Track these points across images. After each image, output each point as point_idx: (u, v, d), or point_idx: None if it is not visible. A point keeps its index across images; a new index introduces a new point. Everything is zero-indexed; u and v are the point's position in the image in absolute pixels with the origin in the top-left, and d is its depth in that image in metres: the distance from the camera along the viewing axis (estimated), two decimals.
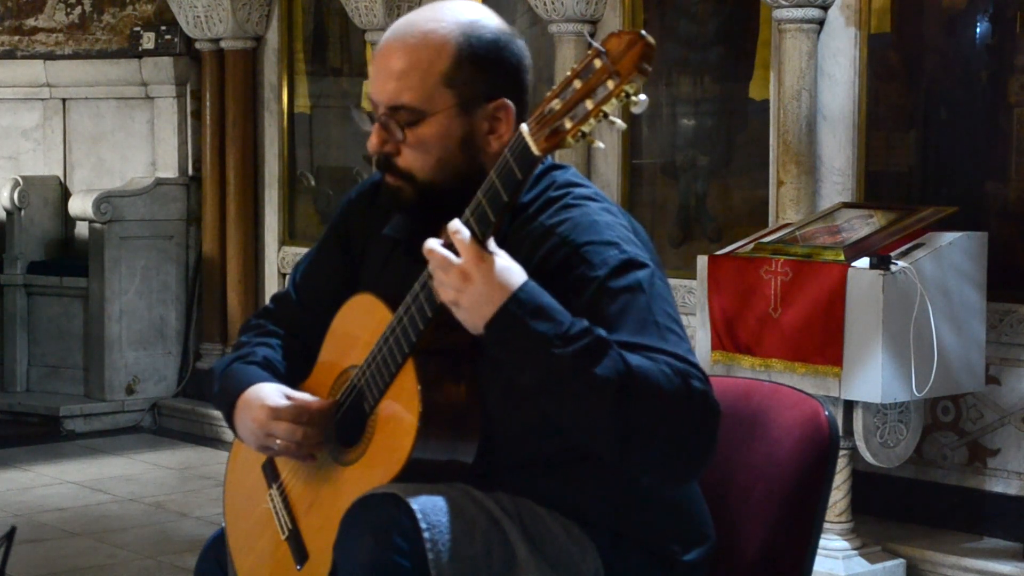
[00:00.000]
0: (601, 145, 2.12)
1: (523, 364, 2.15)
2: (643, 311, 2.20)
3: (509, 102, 2.33)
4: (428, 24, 2.34)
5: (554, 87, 2.10)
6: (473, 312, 2.15)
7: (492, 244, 2.17)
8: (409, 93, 2.32)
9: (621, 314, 2.19)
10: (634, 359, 2.12)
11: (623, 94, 2.03)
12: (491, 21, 2.36)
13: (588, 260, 2.23)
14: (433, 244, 2.16)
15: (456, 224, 2.16)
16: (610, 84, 2.03)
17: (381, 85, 2.34)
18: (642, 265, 2.25)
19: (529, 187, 2.33)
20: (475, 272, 2.14)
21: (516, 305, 2.13)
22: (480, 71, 2.32)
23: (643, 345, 2.15)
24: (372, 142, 2.37)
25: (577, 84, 2.07)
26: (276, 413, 2.39)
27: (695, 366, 2.17)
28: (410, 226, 2.40)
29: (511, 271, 2.16)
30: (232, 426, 2.51)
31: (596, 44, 2.06)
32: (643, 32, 2.04)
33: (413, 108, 2.32)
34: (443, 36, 2.32)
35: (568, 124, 2.07)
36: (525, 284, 2.15)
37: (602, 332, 2.13)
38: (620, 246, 2.26)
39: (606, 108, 2.05)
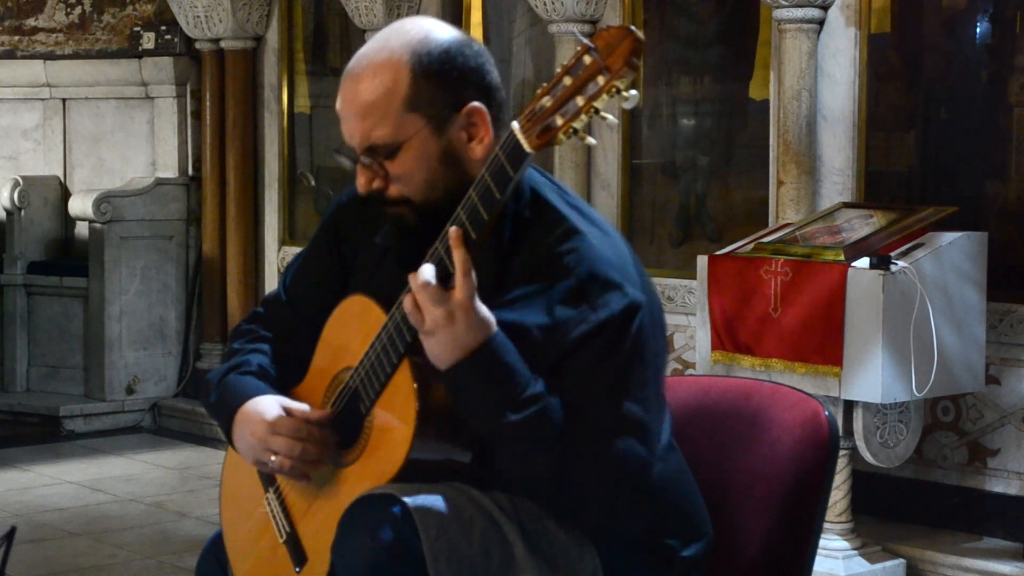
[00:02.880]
0: (593, 141, 2.11)
1: (471, 415, 2.24)
2: (623, 368, 2.24)
3: (479, 104, 2.32)
4: (377, 56, 2.33)
5: (544, 84, 2.10)
6: (442, 349, 2.20)
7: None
8: (378, 130, 2.31)
9: (601, 368, 2.23)
10: (576, 436, 2.21)
11: (614, 89, 2.03)
12: (439, 33, 2.34)
13: (590, 299, 2.24)
14: (430, 276, 2.17)
15: (460, 262, 2.17)
16: (600, 80, 2.04)
17: (350, 128, 2.35)
18: (640, 309, 2.26)
19: (530, 200, 2.33)
20: (461, 316, 2.17)
21: (482, 359, 2.19)
22: (440, 86, 2.30)
23: (604, 415, 2.22)
24: (360, 183, 2.37)
25: (567, 81, 2.07)
26: (275, 428, 2.38)
27: (640, 431, 2.24)
28: (401, 235, 2.40)
29: (486, 323, 2.19)
30: (230, 439, 2.50)
31: (585, 40, 2.06)
32: (632, 27, 2.04)
33: (386, 143, 2.31)
34: (394, 64, 2.31)
35: (559, 121, 2.07)
36: (493, 338, 2.19)
37: (552, 403, 2.21)
38: (623, 288, 2.26)
39: (597, 104, 2.05)
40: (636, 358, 2.25)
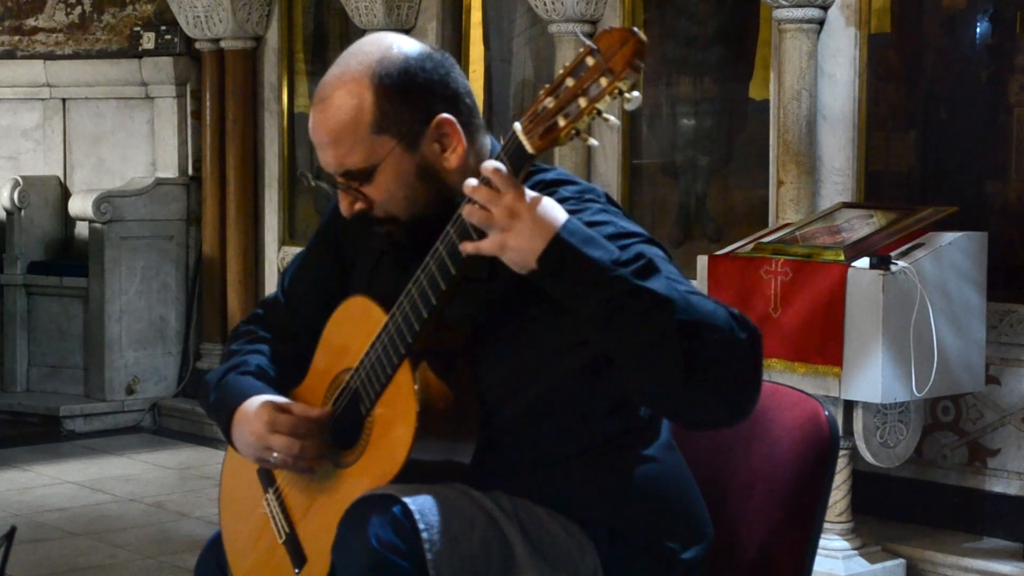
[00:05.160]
0: (595, 143, 2.11)
1: (582, 293, 2.11)
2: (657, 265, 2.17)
3: (447, 115, 2.32)
4: (339, 82, 2.33)
5: (547, 85, 2.10)
6: (523, 250, 2.12)
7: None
8: (350, 156, 2.32)
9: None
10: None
11: (616, 91, 2.03)
12: (397, 49, 2.34)
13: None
14: (475, 181, 2.12)
15: (491, 163, 2.12)
16: (603, 81, 2.03)
17: (324, 157, 2.36)
18: (639, 234, 2.25)
19: None
20: (522, 207, 2.11)
21: (568, 234, 2.11)
22: (404, 103, 2.31)
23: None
24: (343, 207, 2.38)
25: (570, 82, 2.06)
26: (274, 426, 2.38)
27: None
28: (395, 246, 2.40)
29: (554, 205, 2.14)
30: (229, 439, 2.50)
31: (588, 42, 2.06)
32: (635, 29, 2.04)
33: (360, 168, 2.33)
34: (357, 89, 2.31)
35: (562, 122, 2.07)
36: (569, 218, 2.14)
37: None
38: (614, 223, 2.25)
39: (599, 105, 2.04)
40: (661, 261, 2.19)
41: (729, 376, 2.12)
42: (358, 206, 2.36)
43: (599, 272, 2.10)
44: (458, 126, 2.33)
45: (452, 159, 2.34)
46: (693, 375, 2.08)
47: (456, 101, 2.35)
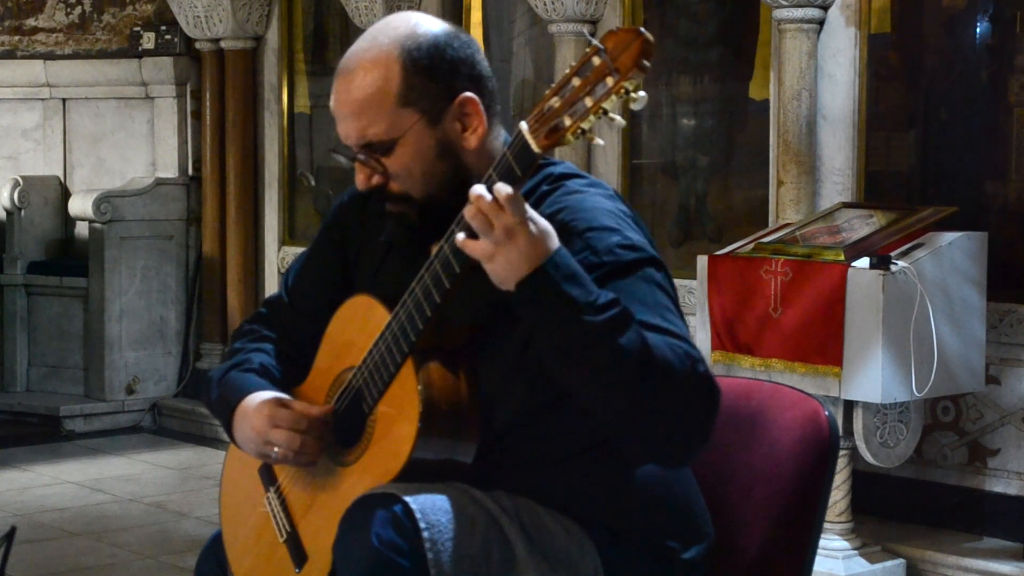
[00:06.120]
0: (601, 142, 2.11)
1: (550, 327, 2.13)
2: (647, 294, 2.20)
3: (471, 94, 2.33)
4: (367, 54, 2.35)
5: (553, 85, 2.10)
6: (508, 268, 2.12)
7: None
8: (372, 127, 2.33)
9: (626, 296, 2.18)
10: (650, 336, 2.13)
11: (622, 91, 2.03)
12: (427, 26, 2.36)
13: (591, 246, 2.23)
14: (482, 191, 2.12)
15: (506, 188, 2.11)
16: (609, 81, 2.03)
17: (345, 128, 2.36)
18: (642, 250, 2.26)
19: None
20: (520, 230, 2.11)
21: (553, 267, 2.12)
22: (431, 79, 2.32)
23: (652, 324, 2.16)
24: (359, 180, 2.38)
25: (576, 81, 2.06)
26: (274, 421, 2.39)
27: (697, 350, 2.19)
28: (405, 231, 2.40)
29: (550, 234, 2.15)
30: (231, 434, 2.50)
31: (595, 41, 2.06)
32: (642, 29, 2.04)
33: (382, 140, 2.33)
34: (384, 60, 2.32)
35: (567, 121, 2.07)
36: (560, 248, 2.15)
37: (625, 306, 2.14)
38: (622, 232, 2.27)
39: (605, 105, 2.04)
40: (654, 291, 2.21)
41: (675, 426, 2.15)
42: (375, 180, 2.36)
43: (570, 312, 2.11)
44: (481, 107, 2.34)
45: (472, 139, 2.34)
46: (637, 422, 2.13)
47: (480, 83, 2.36)
